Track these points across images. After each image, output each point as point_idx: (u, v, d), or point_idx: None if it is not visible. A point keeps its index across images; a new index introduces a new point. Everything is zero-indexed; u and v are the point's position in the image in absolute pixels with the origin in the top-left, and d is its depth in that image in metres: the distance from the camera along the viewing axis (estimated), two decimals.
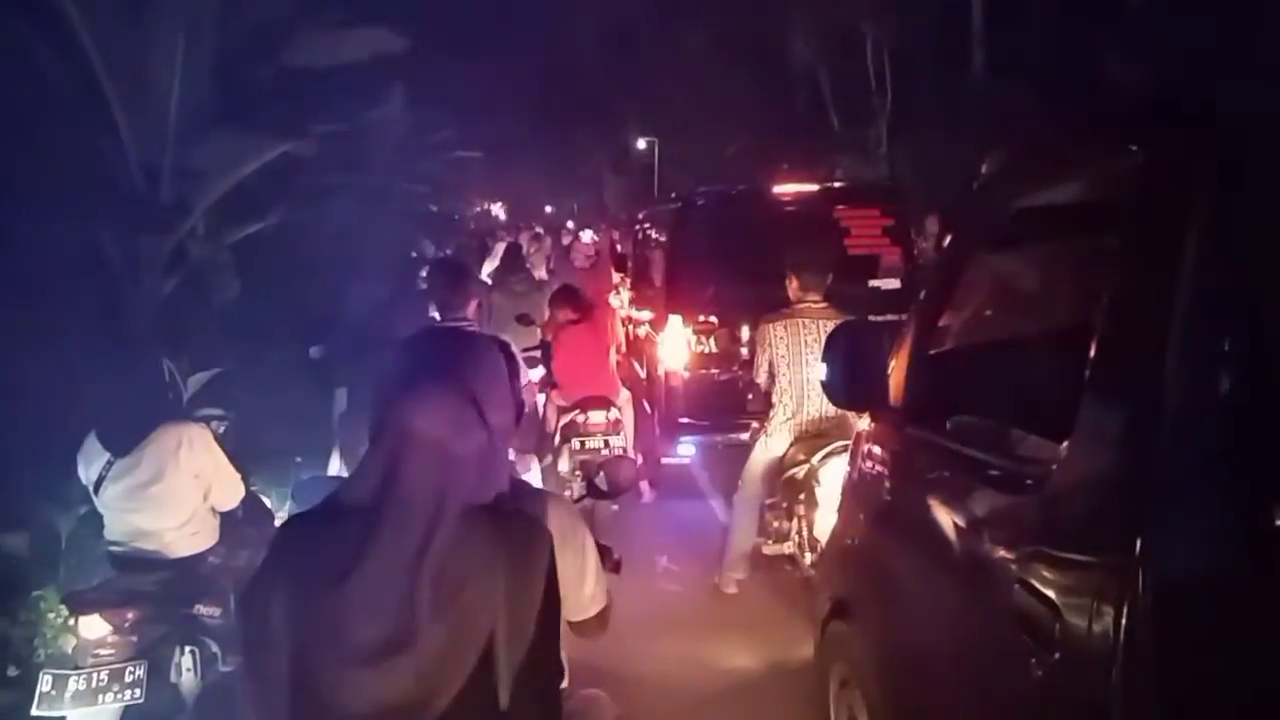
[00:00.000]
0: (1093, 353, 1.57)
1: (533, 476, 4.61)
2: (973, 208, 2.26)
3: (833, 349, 2.53)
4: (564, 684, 1.87)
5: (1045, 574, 1.59)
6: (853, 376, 2.45)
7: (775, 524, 4.79)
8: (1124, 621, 1.37)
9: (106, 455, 3.17)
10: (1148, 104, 1.63)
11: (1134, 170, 1.49)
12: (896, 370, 2.43)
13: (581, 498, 2.49)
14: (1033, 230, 1.99)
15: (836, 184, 8.79)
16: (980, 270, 2.44)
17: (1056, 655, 1.53)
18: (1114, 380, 1.53)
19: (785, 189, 7.00)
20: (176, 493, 3.23)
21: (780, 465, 4.60)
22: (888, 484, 2.52)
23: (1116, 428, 1.52)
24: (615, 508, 5.99)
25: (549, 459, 5.87)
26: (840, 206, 6.70)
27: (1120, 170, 1.55)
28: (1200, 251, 1.35)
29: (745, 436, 5.38)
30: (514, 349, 2.12)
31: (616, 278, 9.76)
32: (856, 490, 2.81)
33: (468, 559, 1.32)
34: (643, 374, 7.73)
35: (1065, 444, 1.62)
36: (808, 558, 4.37)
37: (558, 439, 5.88)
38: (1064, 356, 1.74)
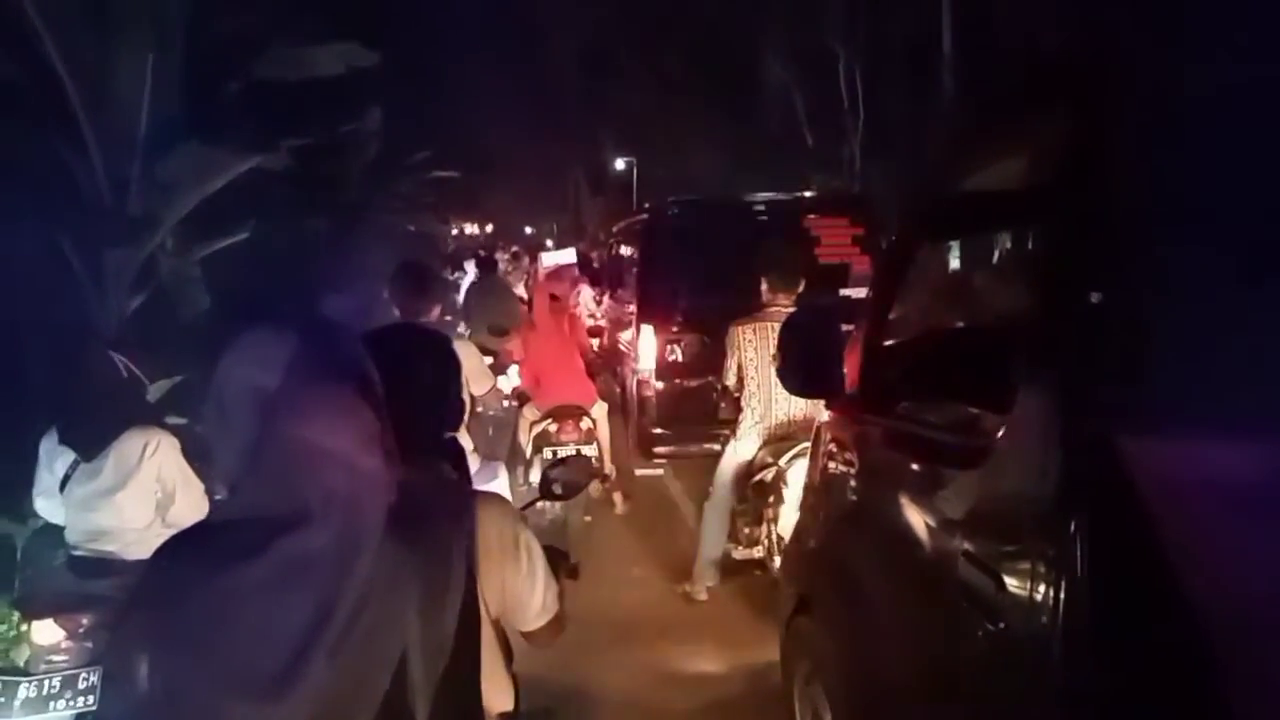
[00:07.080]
0: (1027, 329, 1.58)
1: (500, 485, 4.56)
2: (918, 198, 2.28)
3: (789, 337, 2.54)
4: (510, 705, 1.80)
5: (988, 545, 1.59)
6: (809, 364, 2.46)
7: (745, 529, 4.79)
8: (1062, 593, 1.38)
9: (73, 455, 3.13)
10: (1060, 67, 1.65)
11: (1049, 134, 1.51)
12: (852, 360, 2.44)
13: (532, 502, 2.43)
14: (973, 214, 2.01)
15: (807, 193, 8.80)
16: (927, 257, 2.46)
17: (1000, 625, 1.54)
18: (1044, 357, 1.54)
19: (756, 198, 7.03)
20: (140, 498, 3.17)
21: (749, 469, 4.60)
22: (846, 473, 2.52)
23: (1049, 405, 1.52)
24: (588, 519, 5.98)
25: (521, 470, 5.83)
26: (811, 215, 6.73)
27: (1036, 135, 1.57)
28: (1121, 221, 1.37)
29: (718, 446, 5.38)
30: (455, 347, 2.08)
31: (591, 294, 9.78)
32: (817, 483, 2.81)
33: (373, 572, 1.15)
34: (617, 387, 7.72)
35: (1007, 419, 1.63)
36: (776, 561, 4.36)
37: (529, 450, 5.84)
38: (1008, 336, 1.75)
